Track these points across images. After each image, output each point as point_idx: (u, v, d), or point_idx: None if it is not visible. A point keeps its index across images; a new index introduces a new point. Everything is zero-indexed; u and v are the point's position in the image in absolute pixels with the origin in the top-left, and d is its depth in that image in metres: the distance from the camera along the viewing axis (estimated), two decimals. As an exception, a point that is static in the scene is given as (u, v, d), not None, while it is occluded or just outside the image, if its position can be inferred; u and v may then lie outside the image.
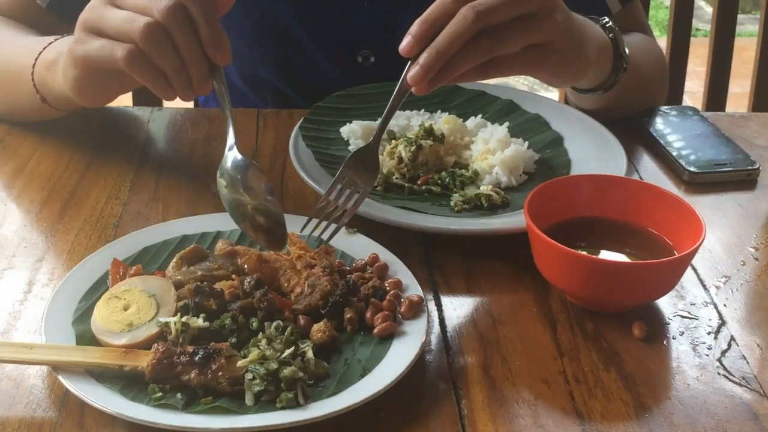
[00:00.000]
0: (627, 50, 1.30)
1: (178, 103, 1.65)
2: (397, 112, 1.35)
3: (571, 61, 1.15)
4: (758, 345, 1.00)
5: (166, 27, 1.02)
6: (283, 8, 1.50)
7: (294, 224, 1.09)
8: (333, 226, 1.07)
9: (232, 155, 1.05)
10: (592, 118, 1.37)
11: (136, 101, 1.84)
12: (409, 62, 1.03)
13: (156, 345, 0.89)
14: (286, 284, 1.01)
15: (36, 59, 1.24)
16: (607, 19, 1.29)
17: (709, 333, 1.01)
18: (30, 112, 1.34)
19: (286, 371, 0.87)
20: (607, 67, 1.29)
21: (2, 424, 0.86)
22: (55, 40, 1.25)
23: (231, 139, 1.06)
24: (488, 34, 1.03)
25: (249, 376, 0.87)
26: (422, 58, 1.02)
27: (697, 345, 0.99)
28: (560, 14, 1.09)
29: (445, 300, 1.05)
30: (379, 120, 1.08)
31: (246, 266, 1.02)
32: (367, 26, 1.51)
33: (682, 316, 1.03)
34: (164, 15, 1.01)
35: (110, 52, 1.05)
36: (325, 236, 1.07)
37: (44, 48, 1.24)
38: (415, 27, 1.03)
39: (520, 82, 4.53)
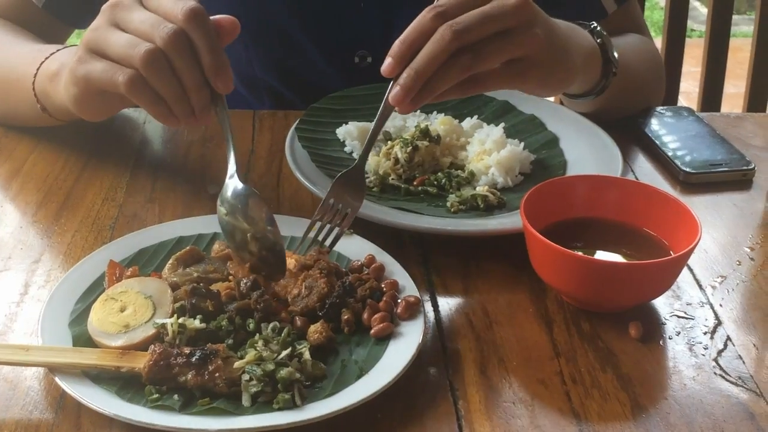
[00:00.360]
0: (616, 54, 1.29)
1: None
2: (393, 113, 1.36)
3: (555, 72, 1.14)
4: (754, 345, 1.00)
5: (167, 54, 1.02)
6: (280, 9, 1.50)
7: (292, 226, 1.09)
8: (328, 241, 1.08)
9: (232, 184, 1.04)
10: (588, 119, 1.37)
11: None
12: (391, 83, 1.04)
13: (153, 346, 0.89)
14: (282, 290, 1.01)
15: (38, 69, 1.24)
16: (595, 24, 1.29)
17: (705, 333, 1.01)
18: (28, 119, 1.33)
19: (283, 372, 0.87)
20: (595, 73, 1.29)
21: (-1, 426, 0.86)
22: (57, 51, 1.24)
23: (232, 167, 1.05)
24: (467, 52, 1.03)
25: (246, 377, 0.87)
26: (402, 79, 1.02)
27: (694, 345, 0.99)
28: (540, 27, 1.08)
29: (442, 301, 1.05)
30: (365, 141, 1.08)
31: (240, 271, 1.02)
32: (363, 26, 1.52)
33: (679, 316, 1.03)
34: (166, 42, 1.01)
35: (111, 76, 1.04)
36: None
37: (46, 58, 1.24)
38: (394, 48, 1.03)
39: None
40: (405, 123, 1.34)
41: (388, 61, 1.03)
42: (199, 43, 1.02)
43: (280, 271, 1.02)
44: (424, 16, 1.03)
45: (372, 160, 1.26)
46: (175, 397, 0.87)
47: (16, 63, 1.30)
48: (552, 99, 1.94)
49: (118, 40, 1.04)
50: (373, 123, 1.07)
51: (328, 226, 1.08)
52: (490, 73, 1.07)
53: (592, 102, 1.34)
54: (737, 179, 1.30)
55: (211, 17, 1.05)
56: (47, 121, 1.30)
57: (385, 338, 0.95)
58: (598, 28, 1.28)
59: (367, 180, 1.25)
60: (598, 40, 1.28)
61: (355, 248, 1.08)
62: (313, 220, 1.07)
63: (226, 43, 1.06)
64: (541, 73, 1.11)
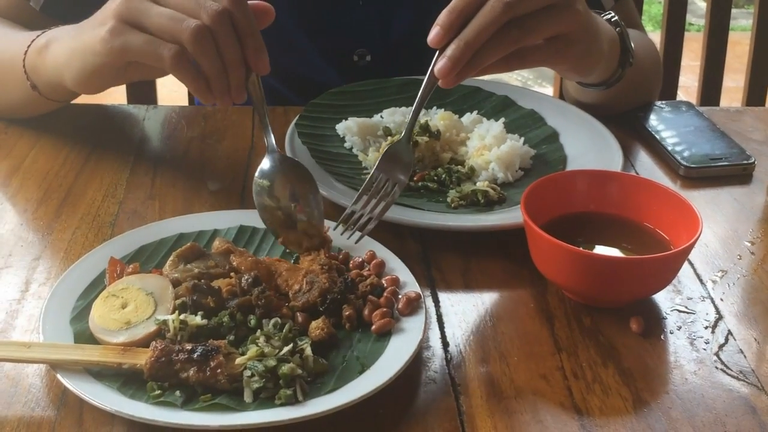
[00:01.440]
0: (633, 44, 1.30)
1: (173, 101, 1.65)
2: (393, 108, 1.36)
3: (589, 53, 1.16)
4: (755, 339, 1.00)
5: (214, 31, 1.03)
6: (279, 7, 1.49)
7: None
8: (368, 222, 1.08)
9: (274, 157, 1.09)
10: (588, 113, 1.37)
11: (131, 99, 1.84)
12: (437, 53, 1.03)
13: (154, 343, 0.89)
14: (283, 284, 1.01)
15: (29, 46, 1.25)
16: (612, 14, 1.30)
17: (706, 327, 1.01)
18: (21, 104, 1.34)
19: (285, 368, 0.87)
20: (614, 62, 1.30)
21: (1, 423, 0.86)
22: (50, 29, 1.26)
23: (271, 143, 1.09)
24: (515, 25, 1.03)
25: (247, 373, 0.87)
26: (450, 50, 1.01)
27: (695, 339, 0.99)
28: (581, 4, 1.10)
29: (443, 296, 1.05)
30: (410, 114, 1.09)
31: (242, 267, 1.02)
32: (362, 25, 1.51)
33: (680, 311, 1.04)
34: (213, 19, 1.02)
35: (156, 49, 1.05)
36: (354, 238, 1.07)
37: (38, 36, 1.25)
38: (442, 17, 1.02)
39: (514, 78, 4.54)
40: (405, 118, 1.34)
41: (435, 30, 1.02)
42: (241, 24, 1.04)
43: (317, 244, 1.05)
44: None
45: (372, 156, 1.26)
46: (177, 393, 0.87)
47: (8, 47, 1.31)
48: (551, 93, 1.95)
49: (161, 14, 1.05)
50: (419, 94, 1.06)
51: (373, 200, 1.07)
52: (533, 49, 1.08)
53: (600, 93, 1.34)
54: (737, 173, 1.30)
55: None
56: (38, 104, 1.31)
57: (386, 334, 0.95)
58: (616, 18, 1.29)
59: (367, 175, 1.24)
60: (617, 29, 1.29)
61: (355, 244, 1.08)
62: (360, 193, 1.07)
63: (263, 26, 1.08)
64: (578, 52, 1.12)
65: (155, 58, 1.06)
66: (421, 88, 1.06)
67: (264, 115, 1.09)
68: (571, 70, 1.20)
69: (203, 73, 1.05)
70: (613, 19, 1.29)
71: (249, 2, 1.06)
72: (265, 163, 1.09)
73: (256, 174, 1.08)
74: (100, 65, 1.13)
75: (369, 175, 1.08)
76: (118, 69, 1.14)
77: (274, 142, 1.09)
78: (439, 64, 1.02)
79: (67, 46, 1.18)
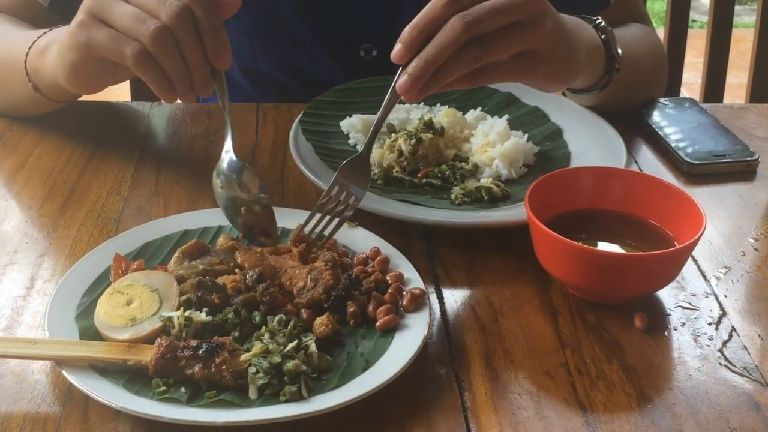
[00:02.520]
0: (620, 50, 1.29)
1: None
2: (397, 105, 1.36)
3: (561, 67, 1.14)
4: (759, 335, 1.00)
5: (174, 31, 1.03)
6: (283, 3, 1.50)
7: (296, 218, 1.09)
8: (329, 229, 1.08)
9: (228, 157, 1.10)
10: (591, 110, 1.37)
11: (135, 96, 1.84)
12: (399, 70, 1.03)
13: (159, 339, 0.89)
14: (287, 282, 1.01)
15: (30, 48, 1.26)
16: (600, 19, 1.29)
17: (710, 324, 1.01)
18: (25, 104, 1.34)
19: (290, 364, 0.87)
20: (598, 69, 1.29)
21: (7, 419, 0.86)
22: (50, 30, 1.26)
23: (228, 143, 1.11)
24: (477, 43, 1.02)
25: (252, 369, 0.87)
26: (411, 68, 1.02)
27: (699, 336, 1.00)
28: (550, 21, 1.08)
29: (447, 293, 1.05)
30: (371, 129, 1.08)
31: (246, 264, 1.02)
32: (368, 20, 1.51)
33: (683, 307, 1.04)
34: (173, 19, 1.03)
35: (119, 46, 1.06)
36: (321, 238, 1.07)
37: (39, 37, 1.26)
38: (405, 34, 1.03)
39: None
40: (409, 115, 1.34)
41: (398, 47, 1.03)
42: (202, 21, 1.04)
43: (273, 236, 1.07)
44: (436, 2, 1.03)
45: (376, 153, 1.26)
46: (182, 389, 0.87)
47: (11, 47, 1.31)
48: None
49: (124, 12, 1.06)
50: (379, 111, 1.07)
51: (327, 217, 1.07)
52: (499, 65, 1.07)
53: (595, 96, 1.34)
54: (741, 170, 1.30)
55: None
56: (42, 104, 1.31)
57: (390, 330, 0.95)
58: (603, 24, 1.28)
59: (371, 173, 1.25)
60: (602, 36, 1.27)
61: (359, 241, 1.09)
62: (316, 209, 1.07)
63: (227, 16, 1.07)
64: (548, 67, 1.10)
65: (118, 56, 1.06)
66: (383, 104, 1.06)
67: (226, 111, 1.11)
68: (543, 84, 1.18)
69: (166, 73, 1.06)
70: (600, 25, 1.28)
71: None
72: (221, 163, 1.11)
73: (214, 173, 1.11)
74: (74, 61, 1.13)
75: (325, 191, 1.07)
76: (100, 66, 1.13)
77: (231, 143, 1.11)
78: (401, 80, 1.02)
79: (56, 49, 1.19)
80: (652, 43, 1.53)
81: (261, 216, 1.08)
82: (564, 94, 1.52)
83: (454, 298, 1.04)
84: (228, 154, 1.10)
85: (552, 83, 1.18)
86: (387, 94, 1.05)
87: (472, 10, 1.02)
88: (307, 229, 1.07)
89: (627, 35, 1.40)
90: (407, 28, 1.03)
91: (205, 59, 1.06)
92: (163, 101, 1.15)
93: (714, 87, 2.05)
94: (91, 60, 1.12)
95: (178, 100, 1.09)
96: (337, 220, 1.07)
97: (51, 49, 1.20)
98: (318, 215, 1.07)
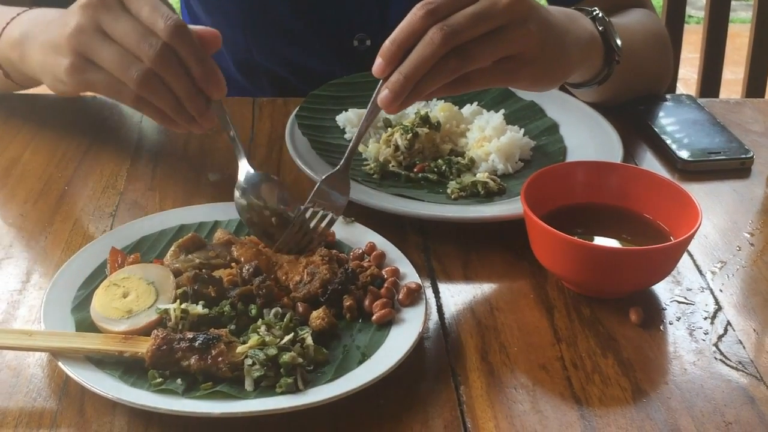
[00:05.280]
0: (620, 41, 1.27)
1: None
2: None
3: (548, 69, 1.12)
4: (754, 330, 1.00)
5: (158, 71, 1.05)
6: None
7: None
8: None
9: (245, 169, 1.10)
10: (587, 105, 1.37)
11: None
12: (380, 83, 1.03)
13: (156, 331, 0.89)
14: (283, 277, 1.01)
15: (0, 34, 1.25)
16: (597, 11, 1.27)
17: (705, 318, 1.02)
18: None
19: (286, 357, 0.87)
20: (597, 62, 1.27)
21: (3, 413, 0.86)
22: (17, 15, 1.25)
23: (244, 164, 1.10)
24: (456, 54, 1.01)
25: (248, 361, 0.87)
26: (391, 83, 1.01)
27: (694, 330, 1.00)
28: (534, 23, 1.06)
29: (443, 287, 1.05)
30: (351, 142, 1.08)
31: (242, 258, 1.02)
32: (360, 9, 1.51)
33: (679, 302, 1.04)
34: (155, 61, 1.05)
35: (118, 93, 1.09)
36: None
37: (7, 23, 1.25)
38: (384, 48, 1.02)
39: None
40: (405, 110, 1.34)
41: (378, 61, 1.02)
42: (186, 57, 1.06)
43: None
44: (415, 14, 1.01)
45: (372, 147, 1.26)
46: (179, 381, 0.87)
47: None
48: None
49: (109, 54, 1.07)
50: (361, 122, 1.06)
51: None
52: (481, 72, 1.05)
53: (598, 90, 1.33)
54: (735, 167, 1.30)
55: (192, 28, 1.08)
56: (9, 87, 1.33)
57: (386, 324, 0.96)
58: (600, 15, 1.26)
59: (367, 167, 1.25)
60: (600, 28, 1.26)
61: (356, 236, 1.09)
62: (293, 223, 1.05)
63: (210, 53, 1.09)
64: (533, 71, 1.09)
65: (119, 99, 1.10)
66: (365, 116, 1.06)
67: (234, 138, 1.11)
68: (529, 86, 1.16)
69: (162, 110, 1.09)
70: (598, 17, 1.26)
71: (193, 28, 1.08)
72: (243, 181, 1.10)
73: (237, 192, 1.09)
74: (69, 92, 1.17)
75: (302, 208, 1.06)
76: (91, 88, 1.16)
77: (246, 160, 1.11)
78: (381, 94, 1.02)
79: (38, 59, 1.18)
80: (654, 30, 1.50)
81: (280, 225, 1.06)
82: (561, 88, 1.52)
83: (450, 292, 1.04)
84: (245, 167, 1.10)
85: (540, 85, 1.16)
86: (368, 106, 1.05)
87: (451, 20, 1.01)
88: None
89: (628, 23, 1.39)
90: (387, 42, 1.02)
91: (195, 91, 1.07)
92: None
93: (710, 82, 2.06)
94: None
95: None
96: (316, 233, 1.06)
97: (26, 48, 1.20)
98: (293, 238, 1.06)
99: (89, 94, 1.35)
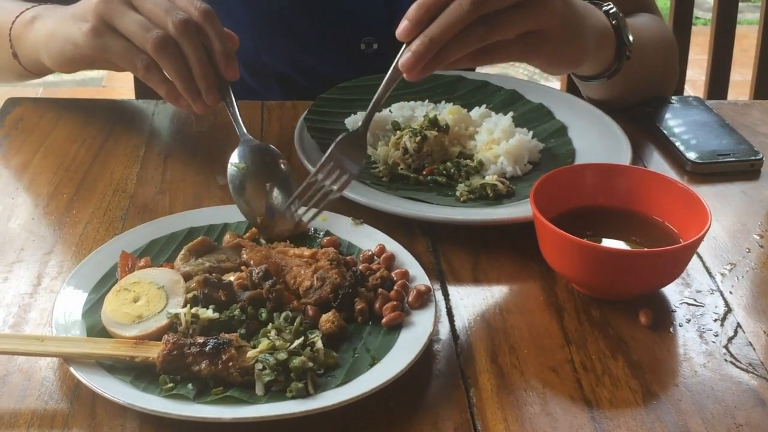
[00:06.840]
0: (631, 37, 1.28)
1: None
2: (401, 102, 1.36)
3: (567, 49, 1.14)
4: (764, 332, 1.00)
5: (178, 40, 1.08)
6: (284, 1, 1.50)
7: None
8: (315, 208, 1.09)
9: (247, 142, 1.15)
10: (596, 107, 1.37)
11: (139, 94, 1.84)
12: (404, 47, 1.03)
13: (166, 336, 0.89)
14: (292, 281, 1.01)
15: (17, 16, 1.30)
16: (610, 5, 1.28)
17: (715, 320, 1.02)
18: (4, 71, 1.40)
19: (296, 361, 0.88)
20: (608, 55, 1.29)
21: (15, 416, 0.87)
22: (37, 5, 1.31)
23: (244, 133, 1.15)
24: (482, 21, 1.02)
25: (259, 366, 0.88)
26: (415, 45, 1.01)
27: (704, 332, 1.00)
28: (559, 0, 1.09)
29: (452, 289, 1.05)
30: (370, 104, 1.09)
31: (252, 262, 1.02)
32: (368, 13, 1.52)
33: (689, 304, 1.04)
34: (177, 28, 1.08)
35: (131, 58, 1.12)
36: (307, 217, 1.09)
37: (27, 9, 1.31)
38: (411, 11, 1.03)
39: (520, 72, 4.53)
40: (413, 113, 1.34)
41: (404, 23, 1.03)
42: (209, 32, 1.09)
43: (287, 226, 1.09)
44: None
45: (381, 150, 1.27)
46: (189, 386, 0.87)
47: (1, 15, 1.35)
48: (559, 87, 1.95)
49: (132, 21, 1.11)
50: (381, 86, 1.06)
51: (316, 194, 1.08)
52: (504, 45, 1.06)
53: (605, 86, 1.33)
54: (745, 169, 1.30)
55: None
56: (16, 72, 1.37)
57: (396, 327, 0.96)
58: (614, 10, 1.27)
59: (376, 170, 1.25)
60: (614, 22, 1.27)
61: (365, 238, 1.09)
62: (308, 181, 1.07)
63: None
64: (553, 49, 1.11)
65: (131, 67, 1.13)
66: (384, 80, 1.06)
67: (237, 125, 1.16)
68: (548, 65, 1.17)
69: (170, 80, 1.11)
70: (610, 11, 1.27)
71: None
72: (239, 151, 1.14)
73: (231, 159, 1.13)
74: (79, 55, 1.20)
75: (319, 163, 1.08)
76: (95, 62, 1.20)
77: (245, 130, 1.15)
78: (404, 57, 1.02)
79: (50, 27, 1.23)
80: (662, 33, 1.50)
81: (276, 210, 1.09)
82: (568, 90, 1.52)
83: (460, 294, 1.04)
84: (246, 140, 1.14)
85: (558, 65, 1.18)
86: (389, 71, 1.05)
87: None
88: (292, 207, 1.08)
89: (639, 26, 1.39)
90: (414, 5, 1.02)
91: (210, 68, 1.10)
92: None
93: (718, 84, 2.05)
94: (94, 59, 1.18)
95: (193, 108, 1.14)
96: (325, 192, 1.07)
97: (36, 24, 1.25)
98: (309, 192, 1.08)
99: (90, 95, 1.35)
